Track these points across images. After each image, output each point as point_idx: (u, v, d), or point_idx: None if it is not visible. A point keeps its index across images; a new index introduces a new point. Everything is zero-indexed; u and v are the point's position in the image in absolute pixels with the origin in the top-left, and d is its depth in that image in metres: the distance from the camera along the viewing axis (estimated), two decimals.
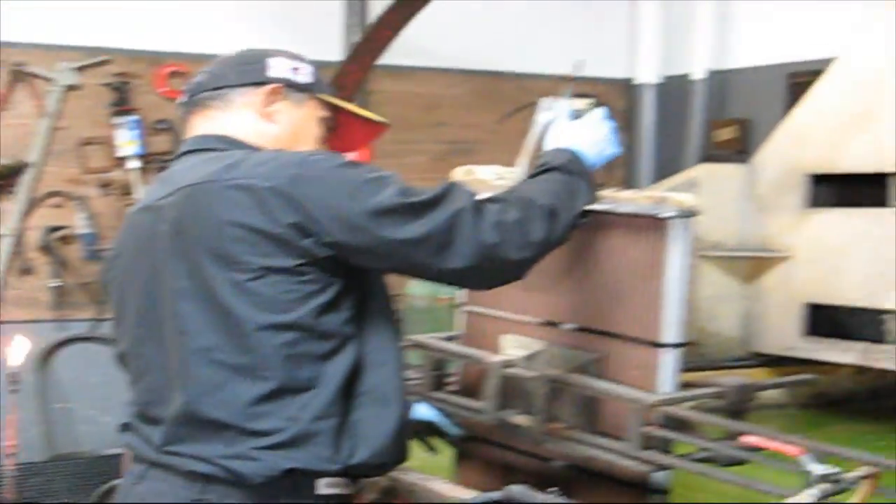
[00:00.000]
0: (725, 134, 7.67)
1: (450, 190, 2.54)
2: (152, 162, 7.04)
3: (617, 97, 8.50)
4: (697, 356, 5.02)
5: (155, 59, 7.14)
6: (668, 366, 2.94)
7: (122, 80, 7.04)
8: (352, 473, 2.56)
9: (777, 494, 2.52)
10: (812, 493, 2.12)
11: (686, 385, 3.02)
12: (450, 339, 3.56)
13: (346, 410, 2.53)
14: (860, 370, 5.12)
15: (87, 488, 6.06)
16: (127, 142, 6.99)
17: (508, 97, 7.73)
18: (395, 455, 2.64)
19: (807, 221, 4.84)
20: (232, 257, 2.44)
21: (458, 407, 3.34)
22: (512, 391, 3.14)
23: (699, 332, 5.06)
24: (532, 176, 2.78)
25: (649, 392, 2.92)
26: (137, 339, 2.66)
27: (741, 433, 2.75)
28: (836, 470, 2.15)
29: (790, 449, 2.26)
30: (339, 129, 2.89)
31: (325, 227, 2.43)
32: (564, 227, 2.66)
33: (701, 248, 4.98)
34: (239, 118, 2.70)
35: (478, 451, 3.42)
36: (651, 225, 2.92)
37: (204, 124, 2.73)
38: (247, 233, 2.43)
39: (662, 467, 2.86)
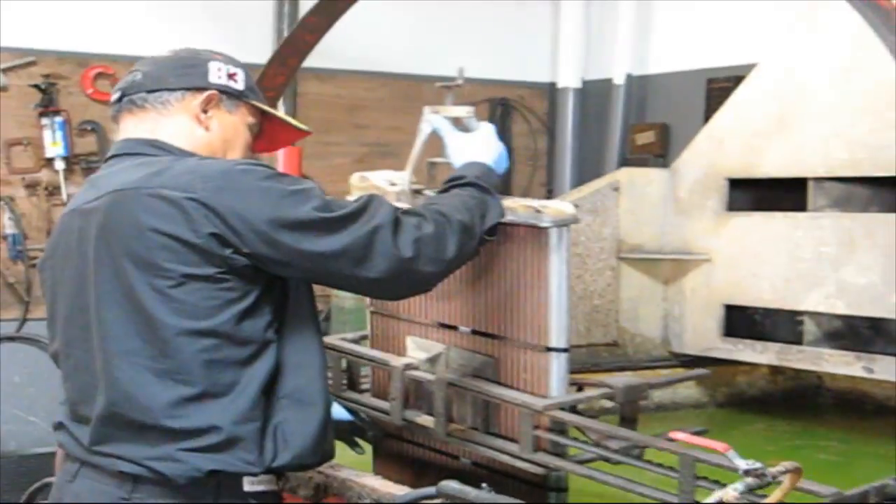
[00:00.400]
0: (645, 138, 7.80)
1: (370, 204, 2.59)
2: (79, 163, 7.04)
3: (539, 101, 8.62)
4: (619, 356, 5.11)
5: (82, 60, 7.14)
6: (556, 370, 2.99)
7: (48, 82, 7.04)
8: (276, 472, 2.62)
9: (654, 498, 2.64)
10: (738, 486, 2.20)
11: (576, 386, 3.10)
12: (360, 339, 3.61)
13: (268, 413, 2.58)
14: (776, 370, 5.25)
15: (14, 488, 6.04)
16: (53, 143, 6.98)
17: (430, 101, 7.81)
18: (319, 455, 2.70)
19: (726, 225, 4.91)
20: (154, 264, 2.48)
21: (368, 407, 3.39)
22: (418, 391, 3.22)
23: (621, 333, 5.14)
24: (447, 189, 2.84)
25: (540, 395, 2.98)
26: (68, 340, 2.70)
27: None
28: (761, 465, 2.23)
29: (716, 445, 2.33)
30: (264, 132, 2.93)
31: (245, 239, 2.47)
32: (475, 243, 2.74)
33: (623, 250, 5.06)
34: (174, 122, 2.72)
35: (393, 448, 3.47)
36: (532, 234, 2.97)
37: (136, 126, 2.74)
38: (169, 241, 2.47)
39: (551, 469, 2.93)
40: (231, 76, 2.79)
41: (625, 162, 7.63)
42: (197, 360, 2.50)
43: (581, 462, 2.91)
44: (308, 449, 2.63)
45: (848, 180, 4.50)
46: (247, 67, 2.87)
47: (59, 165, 7.04)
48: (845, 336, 4.58)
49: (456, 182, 2.83)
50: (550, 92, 8.61)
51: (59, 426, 2.73)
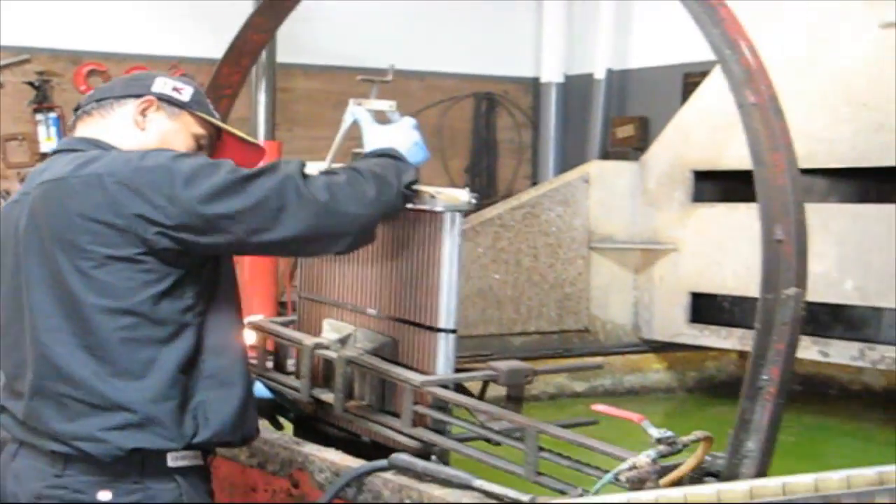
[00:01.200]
0: (625, 131, 7.94)
1: (277, 163, 2.71)
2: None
3: (524, 95, 8.77)
4: (590, 343, 5.28)
5: (75, 57, 7.31)
6: (444, 350, 3.08)
7: (42, 79, 7.22)
8: (198, 449, 2.74)
9: (505, 470, 2.76)
10: (650, 453, 2.37)
11: (463, 370, 3.18)
12: (289, 323, 3.73)
13: (189, 392, 2.71)
14: (743, 355, 5.40)
15: None
16: (48, 138, 7.16)
17: (415, 96, 7.99)
18: (239, 434, 2.82)
19: (691, 216, 5.07)
20: (79, 247, 2.62)
21: (286, 386, 3.51)
22: (328, 371, 3.33)
23: (592, 320, 5.31)
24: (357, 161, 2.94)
25: (428, 374, 3.07)
26: (6, 321, 2.85)
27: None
28: (672, 434, 2.40)
29: (632, 416, 2.51)
30: (222, 149, 3.04)
31: (167, 212, 2.59)
32: (394, 193, 2.80)
33: (593, 240, 5.23)
34: (114, 124, 2.87)
35: (308, 427, 3.55)
36: (427, 219, 3.07)
37: (82, 129, 2.91)
38: (93, 224, 2.61)
39: (426, 444, 3.01)
40: (176, 89, 2.93)
41: (606, 154, 7.79)
42: (115, 338, 2.63)
43: (462, 440, 3.01)
44: (228, 427, 2.75)
45: (805, 172, 4.63)
46: (202, 89, 3.03)
47: None
48: (804, 322, 4.73)
49: (364, 156, 2.92)
50: (534, 86, 8.76)
51: (0, 409, 2.88)
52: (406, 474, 2.84)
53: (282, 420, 3.64)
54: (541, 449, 2.74)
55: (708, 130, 4.98)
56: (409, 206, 2.98)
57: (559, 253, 5.18)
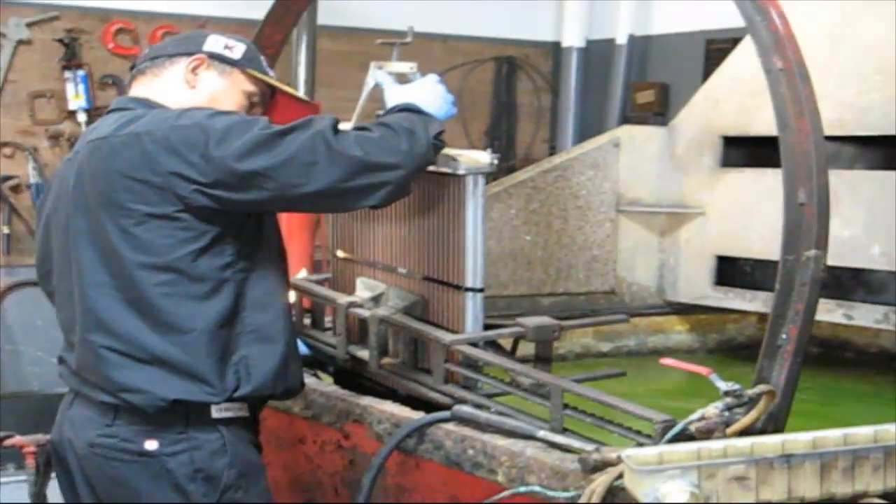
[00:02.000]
0: (645, 97, 7.98)
1: (309, 119, 2.77)
2: (100, 115, 7.21)
3: (544, 59, 8.81)
4: (616, 304, 5.37)
5: (103, 15, 7.36)
6: (472, 308, 3.20)
7: (71, 36, 7.27)
8: (242, 401, 2.86)
9: (524, 431, 2.84)
10: (718, 405, 2.48)
11: (492, 327, 3.28)
12: (323, 281, 3.84)
13: (232, 347, 2.82)
14: (765, 319, 5.48)
15: (36, 426, 6.26)
16: (76, 95, 7.21)
17: (437, 58, 8.04)
18: (281, 388, 2.94)
19: (719, 180, 5.13)
20: (120, 205, 2.73)
21: (323, 343, 3.64)
22: (363, 329, 3.45)
23: (618, 282, 5.39)
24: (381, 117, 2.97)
25: (456, 332, 3.19)
26: (58, 275, 2.97)
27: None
28: (739, 387, 2.50)
29: (701, 369, 2.61)
30: (275, 107, 3.12)
31: (201, 170, 2.68)
32: (424, 144, 2.83)
33: (621, 203, 5.31)
34: (164, 82, 2.97)
35: (349, 381, 3.68)
36: (451, 181, 3.16)
37: (136, 89, 3.01)
38: (132, 182, 2.71)
39: (458, 400, 3.11)
40: (228, 47, 3.01)
41: (625, 120, 7.82)
42: (155, 293, 2.74)
43: (489, 396, 3.11)
44: (269, 381, 2.87)
45: (835, 139, 4.69)
46: (255, 47, 3.10)
47: (82, 118, 7.27)
48: (828, 285, 4.79)
49: (388, 112, 2.98)
50: (555, 51, 8.80)
51: (60, 360, 3.01)
52: (468, 425, 2.94)
53: (323, 375, 3.74)
54: (566, 406, 2.84)
55: (738, 97, 5.02)
56: (432, 168, 3.04)
57: (588, 216, 5.25)
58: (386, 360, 3.37)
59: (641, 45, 8.16)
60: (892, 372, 5.17)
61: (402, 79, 3.23)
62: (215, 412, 2.80)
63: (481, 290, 3.20)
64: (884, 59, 4.51)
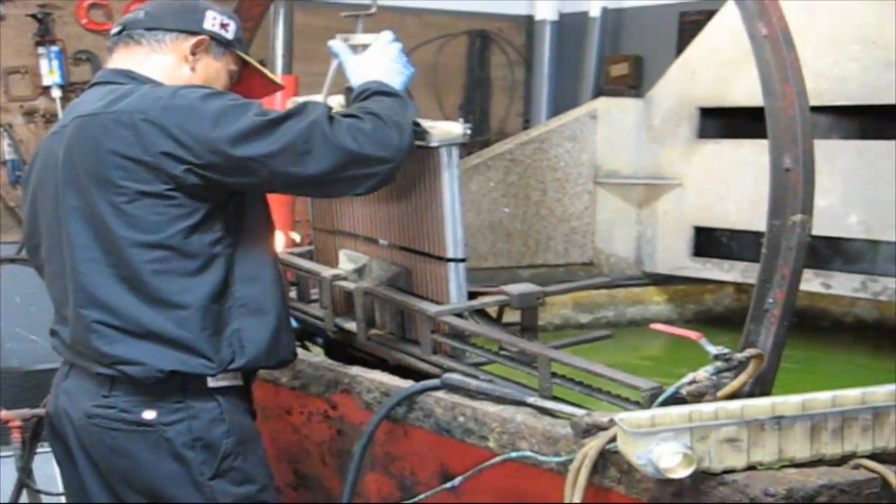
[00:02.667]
0: (619, 69, 8.01)
1: (304, 106, 2.77)
2: (74, 91, 7.23)
3: (517, 33, 8.82)
4: (594, 275, 5.39)
5: None
6: (454, 278, 3.21)
7: (44, 12, 7.21)
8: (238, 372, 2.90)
9: (514, 398, 2.86)
10: (709, 368, 2.50)
11: (475, 295, 3.30)
12: (307, 253, 3.84)
13: (224, 321, 2.84)
14: (741, 290, 5.54)
15: (17, 403, 6.22)
16: (50, 71, 7.17)
17: (411, 32, 8.03)
18: (274, 359, 2.97)
19: (696, 152, 5.15)
20: (112, 182, 2.72)
21: (310, 316, 3.65)
22: (349, 301, 3.46)
23: (596, 254, 5.42)
24: (358, 101, 2.94)
25: (441, 303, 3.20)
26: (48, 249, 2.97)
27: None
28: (728, 350, 2.53)
29: (691, 334, 2.64)
30: (241, 80, 3.11)
31: (195, 152, 2.68)
32: (409, 134, 2.86)
33: (599, 175, 5.33)
34: (162, 59, 2.94)
35: (339, 354, 3.67)
36: (425, 154, 3.15)
37: (127, 59, 2.96)
38: (124, 161, 2.70)
39: (446, 370, 3.13)
40: (223, 25, 2.99)
41: (600, 93, 7.83)
42: (148, 270, 2.74)
43: (475, 365, 3.14)
44: (263, 353, 2.89)
45: (812, 109, 4.70)
46: (238, 19, 3.08)
47: (56, 93, 7.24)
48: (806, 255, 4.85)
49: (363, 96, 2.95)
50: (528, 24, 8.80)
51: (52, 333, 3.01)
52: (458, 393, 2.96)
53: (312, 348, 3.75)
54: (553, 375, 2.87)
55: (715, 67, 5.05)
56: None
57: (566, 188, 5.27)
58: (374, 332, 3.38)
59: (615, 18, 8.18)
60: (868, 341, 5.23)
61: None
62: (212, 382, 2.82)
63: (463, 260, 3.21)
64: (861, 28, 4.54)
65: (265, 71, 3.24)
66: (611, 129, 5.33)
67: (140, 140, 2.68)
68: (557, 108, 7.73)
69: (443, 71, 8.49)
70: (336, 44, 3.19)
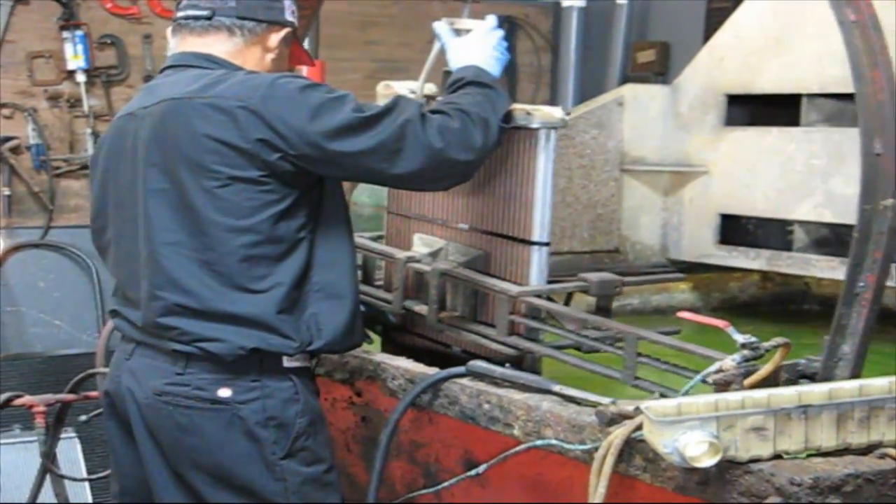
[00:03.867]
0: (646, 56, 7.98)
1: (397, 103, 2.86)
2: (99, 75, 7.25)
3: (544, 19, 8.80)
4: (620, 262, 5.37)
5: None
6: (537, 262, 3.26)
7: None
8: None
9: (602, 374, 2.95)
10: (735, 357, 2.50)
11: (554, 281, 3.36)
12: (377, 238, 3.88)
13: (303, 304, 2.89)
14: (766, 277, 5.53)
15: (39, 387, 6.28)
16: (74, 56, 7.19)
17: (439, 18, 8.00)
18: (348, 343, 3.03)
19: (723, 139, 5.11)
20: (204, 166, 2.77)
21: (376, 299, 3.67)
22: (419, 284, 3.50)
23: (622, 241, 5.40)
24: (451, 92, 3.07)
25: (522, 285, 3.25)
26: (117, 232, 3.01)
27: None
28: (756, 339, 2.53)
29: (718, 322, 2.64)
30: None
31: (291, 143, 2.75)
32: (495, 132, 2.97)
33: (626, 162, 5.31)
34: (253, 50, 3.01)
35: (399, 338, 3.76)
36: (523, 135, 3.21)
37: (208, 44, 2.99)
38: (219, 145, 2.75)
39: (525, 352, 3.19)
40: (293, 13, 3.08)
41: (626, 80, 7.80)
42: (236, 255, 2.79)
43: (557, 347, 3.18)
44: (339, 337, 2.95)
45: (839, 97, 4.69)
46: None
47: (81, 78, 7.26)
48: (832, 243, 4.83)
49: (457, 85, 3.07)
50: (555, 10, 8.77)
51: (113, 313, 3.07)
52: (483, 380, 2.96)
53: (371, 334, 3.76)
54: (638, 354, 2.89)
55: (742, 55, 5.01)
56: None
57: (592, 175, 5.24)
58: (444, 314, 3.40)
59: (642, 5, 8.15)
60: (892, 329, 5.20)
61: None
62: (286, 361, 2.87)
63: (547, 244, 3.27)
64: (890, 13, 4.50)
65: (304, 48, 3.31)
66: (637, 116, 5.28)
67: (238, 126, 2.74)
68: (584, 95, 7.69)
69: None
70: (440, 26, 3.26)
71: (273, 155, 2.75)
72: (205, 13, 2.99)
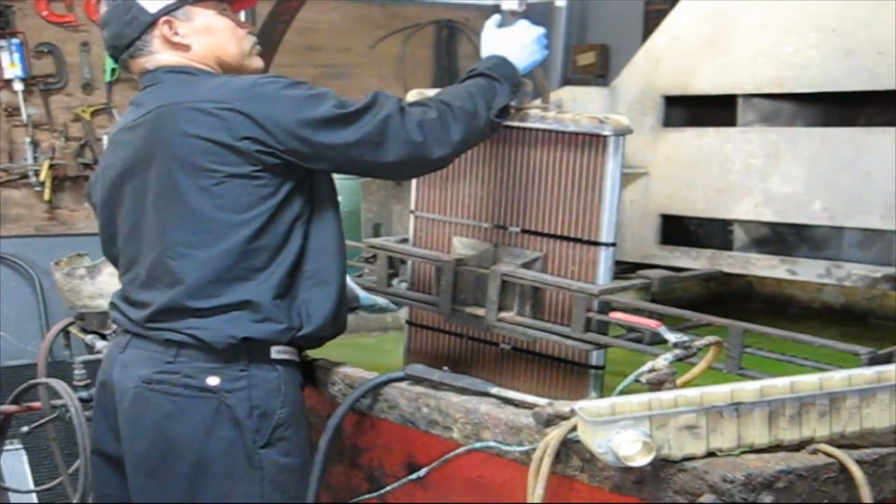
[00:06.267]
0: (586, 59, 8.01)
1: (377, 98, 2.96)
2: (37, 84, 7.20)
3: (484, 22, 8.78)
4: None
5: None
6: (604, 261, 3.41)
7: (4, 4, 7.19)
8: (297, 344, 3.04)
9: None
10: (668, 356, 2.53)
11: (616, 278, 3.51)
12: (402, 241, 3.93)
13: (294, 291, 3.00)
14: (709, 277, 5.56)
15: None
16: (11, 64, 7.14)
17: (379, 23, 8.03)
18: (334, 329, 3.14)
19: (662, 140, 5.16)
20: (200, 166, 2.87)
21: (412, 300, 3.75)
22: (461, 286, 3.58)
23: None
24: (461, 81, 3.19)
25: (589, 284, 3.37)
26: (126, 239, 3.11)
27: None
28: (687, 338, 2.56)
29: (650, 322, 2.67)
30: None
31: (278, 139, 2.85)
32: (482, 125, 3.07)
33: None
34: (165, 56, 3.08)
35: (426, 340, 3.84)
36: (593, 142, 3.35)
37: (156, 60, 3.10)
38: (211, 145, 2.85)
39: (601, 346, 3.34)
40: None
41: (566, 82, 7.84)
42: (237, 249, 2.90)
43: (633, 340, 3.31)
44: (328, 322, 3.07)
45: (774, 97, 4.75)
46: None
47: (18, 86, 7.21)
48: (771, 242, 4.88)
49: (468, 74, 3.20)
50: (494, 13, 8.79)
51: (113, 306, 3.15)
52: (422, 384, 2.98)
53: None
54: (745, 346, 3.07)
55: (678, 56, 5.04)
56: (573, 129, 3.34)
57: None
58: (504, 314, 3.48)
59: (581, 7, 8.17)
60: (835, 326, 5.26)
61: (510, 17, 3.57)
62: (274, 353, 2.98)
63: (614, 245, 3.42)
64: (821, 16, 4.56)
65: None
66: None
67: (226, 126, 2.84)
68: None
69: (410, 62, 8.48)
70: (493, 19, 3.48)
71: (263, 151, 2.86)
72: (113, 61, 3.13)
